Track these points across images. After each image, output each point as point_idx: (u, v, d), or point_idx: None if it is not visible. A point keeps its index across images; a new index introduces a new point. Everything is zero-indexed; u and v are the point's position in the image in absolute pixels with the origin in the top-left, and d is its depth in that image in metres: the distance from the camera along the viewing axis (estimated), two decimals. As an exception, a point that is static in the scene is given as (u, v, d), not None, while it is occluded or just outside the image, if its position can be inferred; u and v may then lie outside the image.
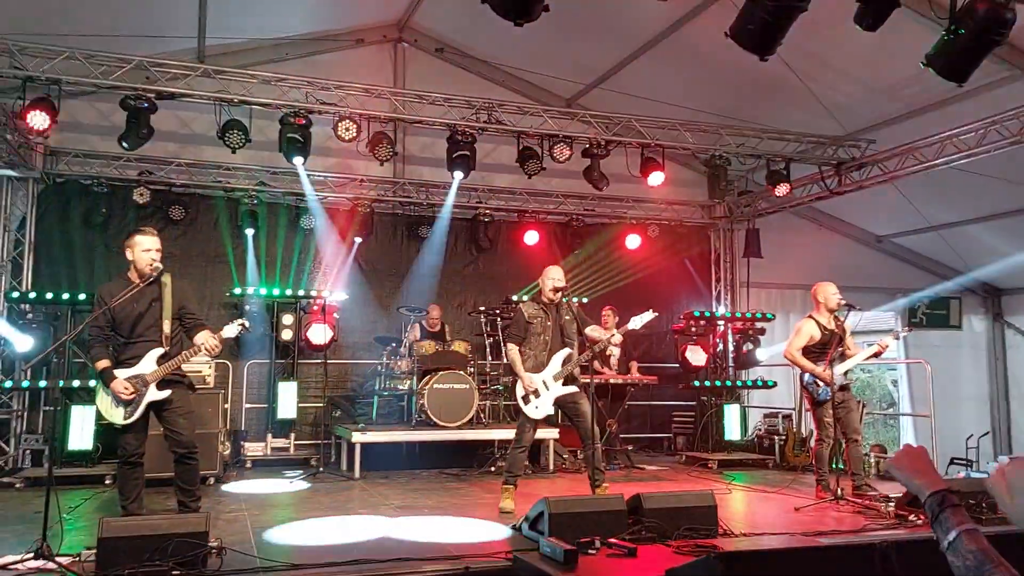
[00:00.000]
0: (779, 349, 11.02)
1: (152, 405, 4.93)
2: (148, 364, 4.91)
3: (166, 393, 4.92)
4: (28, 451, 8.18)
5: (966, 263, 12.05)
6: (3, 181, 8.50)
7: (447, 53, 10.14)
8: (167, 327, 4.96)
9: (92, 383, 7.46)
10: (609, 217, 10.91)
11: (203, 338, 4.93)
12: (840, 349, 6.68)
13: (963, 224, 10.70)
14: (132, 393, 4.84)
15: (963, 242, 11.19)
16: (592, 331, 6.28)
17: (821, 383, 6.59)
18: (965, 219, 10.58)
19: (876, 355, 6.74)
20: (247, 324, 5.10)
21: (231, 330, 5.00)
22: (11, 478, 7.48)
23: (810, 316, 6.91)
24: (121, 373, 4.88)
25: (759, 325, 10.50)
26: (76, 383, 7.93)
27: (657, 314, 6.25)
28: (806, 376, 6.72)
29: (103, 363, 4.90)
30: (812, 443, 7.08)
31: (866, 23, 5.29)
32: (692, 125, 9.07)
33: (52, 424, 5.47)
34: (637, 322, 6.12)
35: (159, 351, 4.93)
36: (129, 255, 4.99)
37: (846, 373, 6.73)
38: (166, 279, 5.02)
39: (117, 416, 4.89)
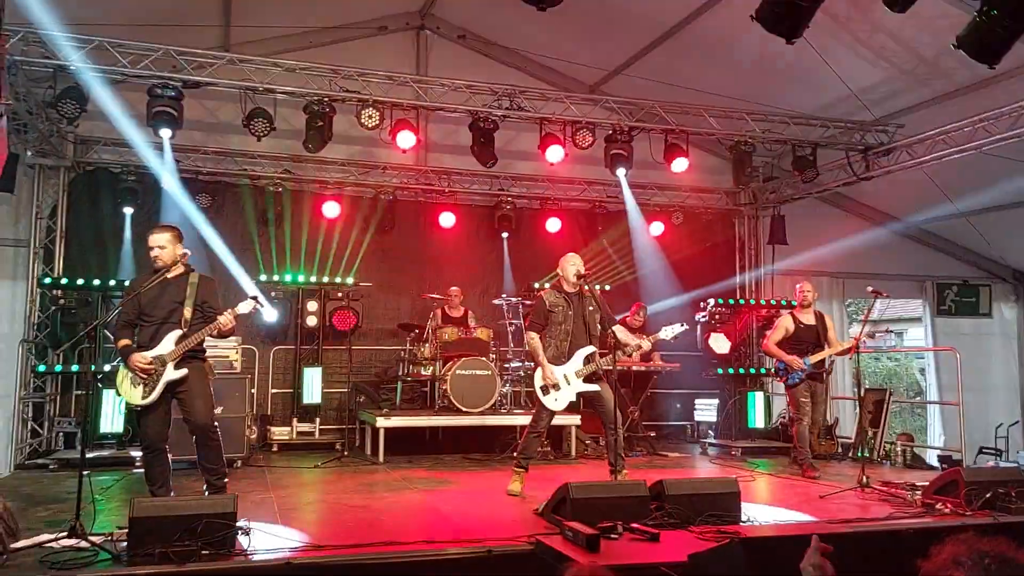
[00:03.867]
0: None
1: (171, 387, 5.07)
2: (167, 344, 5.07)
3: (183, 372, 5.07)
4: (61, 434, 8.38)
5: (997, 250, 11.85)
6: (35, 169, 8.64)
7: (469, 40, 10.12)
8: (187, 312, 5.13)
9: (112, 365, 7.69)
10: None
11: (222, 319, 5.10)
12: (818, 343, 7.32)
13: (994, 210, 10.51)
14: (150, 366, 4.98)
15: (994, 229, 11.00)
16: (620, 332, 6.11)
17: (791, 369, 7.28)
18: (996, 205, 10.39)
19: (850, 350, 7.04)
20: (260, 300, 5.26)
21: (245, 307, 5.17)
22: (45, 460, 7.68)
23: (790, 312, 7.63)
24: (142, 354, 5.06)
25: (784, 312, 10.39)
26: (107, 367, 8.09)
27: (686, 327, 6.33)
28: (779, 363, 7.42)
29: (124, 342, 5.08)
30: (792, 425, 7.66)
31: (896, 5, 5.20)
32: (717, 111, 8.98)
33: (84, 407, 5.59)
34: (668, 332, 6.17)
35: (178, 332, 5.09)
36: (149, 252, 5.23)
37: (819, 363, 7.28)
38: (194, 278, 5.22)
39: (136, 396, 5.03)
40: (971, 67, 5.64)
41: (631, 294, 10.20)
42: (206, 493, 5.16)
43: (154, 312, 5.11)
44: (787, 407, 9.85)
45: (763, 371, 10.46)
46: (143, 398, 5.02)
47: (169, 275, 5.17)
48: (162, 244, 5.17)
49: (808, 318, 7.47)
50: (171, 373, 5.04)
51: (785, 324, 7.50)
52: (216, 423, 5.25)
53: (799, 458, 7.33)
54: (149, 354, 5.04)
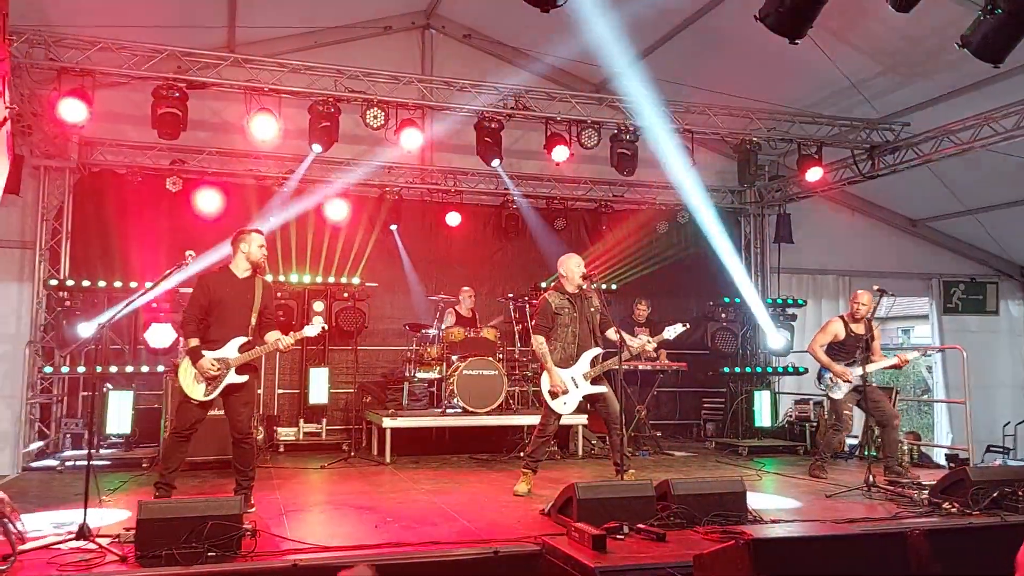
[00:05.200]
0: (807, 336, 10.97)
1: (226, 388, 5.28)
2: (231, 350, 5.27)
3: (244, 378, 5.31)
4: (68, 435, 8.41)
5: (1004, 247, 11.80)
6: (40, 171, 8.67)
7: (474, 39, 10.11)
8: (253, 319, 5.34)
9: (143, 368, 7.74)
10: (638, 203, 10.84)
11: (275, 336, 5.36)
12: (866, 353, 6.91)
13: (1001, 207, 10.48)
14: (218, 372, 5.19)
15: (1001, 226, 10.96)
16: (612, 335, 6.13)
17: (838, 380, 6.98)
18: (1003, 202, 10.36)
19: (896, 367, 7.02)
20: (326, 326, 5.56)
21: (312, 329, 5.44)
22: (52, 461, 7.71)
23: (841, 317, 7.26)
24: (207, 354, 5.21)
25: (790, 311, 10.39)
26: (113, 368, 8.12)
27: (687, 327, 6.37)
28: (824, 371, 7.11)
29: (194, 341, 5.24)
30: (827, 429, 7.46)
31: (900, 4, 5.17)
32: (722, 110, 8.96)
33: (91, 409, 5.65)
34: (671, 332, 6.19)
35: (242, 339, 5.30)
36: (244, 248, 5.37)
37: (864, 376, 6.84)
38: (259, 283, 5.44)
39: (198, 392, 5.23)
40: (977, 65, 5.60)
41: (637, 293, 10.18)
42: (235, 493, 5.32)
43: (223, 314, 5.29)
44: (794, 406, 9.90)
45: (779, 369, 10.36)
46: (205, 395, 5.24)
47: (240, 275, 5.37)
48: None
49: (859, 327, 7.11)
50: (233, 377, 5.27)
51: (835, 329, 7.14)
52: (252, 430, 5.46)
53: (817, 459, 7.28)
54: (214, 355, 5.22)
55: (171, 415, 5.81)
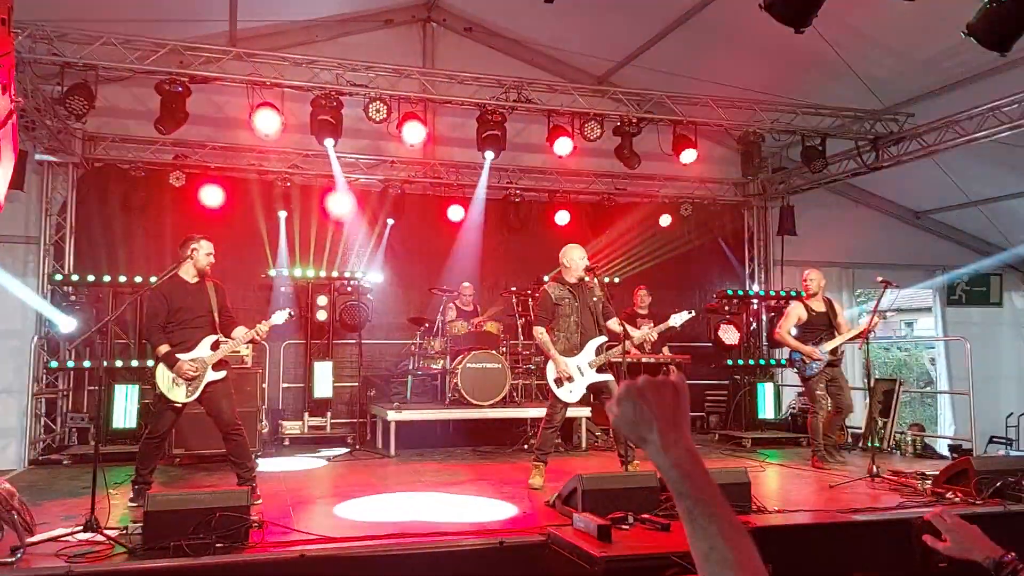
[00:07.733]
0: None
1: (206, 385, 5.43)
2: (204, 349, 5.43)
3: (222, 373, 5.47)
4: (74, 429, 8.44)
5: (1008, 239, 11.77)
6: (44, 166, 8.67)
7: (476, 32, 10.08)
8: (217, 318, 5.53)
9: (148, 363, 7.82)
10: (641, 196, 10.82)
11: (242, 330, 5.52)
12: (830, 330, 7.27)
13: (1005, 199, 10.45)
14: (196, 372, 5.34)
15: (1005, 217, 10.93)
16: (615, 325, 6.14)
17: (808, 359, 7.21)
18: (1007, 194, 10.33)
19: (861, 335, 6.97)
20: (292, 312, 5.68)
21: (280, 317, 5.60)
22: (59, 455, 7.74)
23: (800, 300, 7.65)
24: (182, 356, 5.35)
25: (793, 301, 10.36)
26: (119, 363, 8.15)
27: (694, 314, 6.38)
28: (794, 354, 7.37)
29: (164, 347, 5.37)
30: (808, 416, 7.67)
31: (905, -8, 5.16)
32: (725, 101, 8.94)
33: (97, 403, 5.71)
34: (677, 320, 6.19)
35: (213, 338, 5.48)
36: (192, 254, 5.51)
37: (834, 351, 7.22)
38: (211, 285, 5.61)
39: (179, 394, 5.37)
40: (983, 54, 5.59)
41: (639, 286, 10.17)
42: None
43: (186, 317, 5.44)
44: (797, 397, 9.91)
45: (782, 362, 10.36)
46: (187, 396, 5.39)
47: (190, 281, 5.52)
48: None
49: (818, 305, 7.47)
50: (212, 375, 5.43)
51: (797, 312, 7.48)
52: (240, 421, 5.56)
53: (813, 449, 7.32)
54: (188, 356, 5.36)
55: (149, 420, 5.92)
